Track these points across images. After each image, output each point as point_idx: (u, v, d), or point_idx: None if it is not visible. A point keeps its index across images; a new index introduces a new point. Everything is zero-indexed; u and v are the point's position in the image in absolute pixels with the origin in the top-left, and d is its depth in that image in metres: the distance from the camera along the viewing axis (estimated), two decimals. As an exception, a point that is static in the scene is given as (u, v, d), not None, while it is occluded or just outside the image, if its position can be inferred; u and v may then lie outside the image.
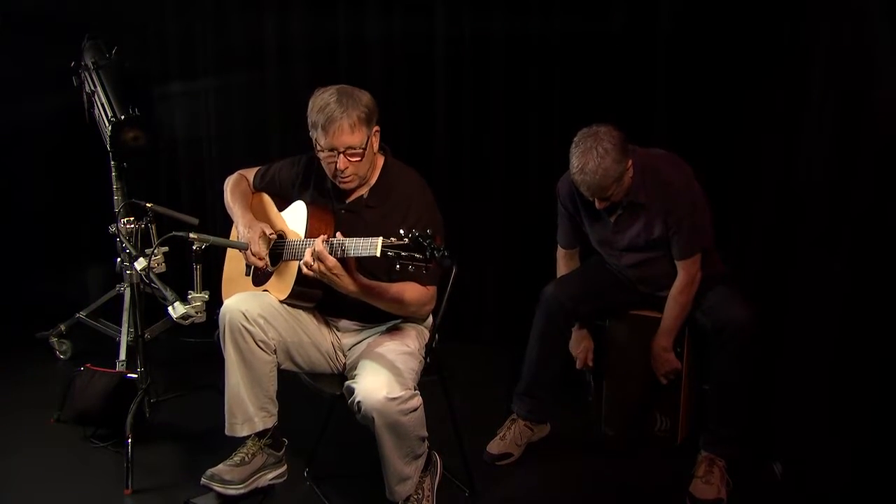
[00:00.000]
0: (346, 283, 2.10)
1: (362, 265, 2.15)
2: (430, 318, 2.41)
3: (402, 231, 1.90)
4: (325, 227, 2.25)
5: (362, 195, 2.31)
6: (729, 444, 2.49)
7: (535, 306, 2.72)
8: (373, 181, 2.31)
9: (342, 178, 2.23)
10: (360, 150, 2.19)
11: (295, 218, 2.32)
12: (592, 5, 3.28)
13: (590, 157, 2.36)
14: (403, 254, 1.87)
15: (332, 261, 2.04)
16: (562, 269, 2.84)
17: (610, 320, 2.81)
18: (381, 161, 2.34)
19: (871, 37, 2.34)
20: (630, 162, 2.44)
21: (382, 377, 2.06)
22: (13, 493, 2.48)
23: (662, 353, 2.62)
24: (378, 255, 1.92)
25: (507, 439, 2.69)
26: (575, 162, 2.41)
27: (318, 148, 2.22)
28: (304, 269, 2.08)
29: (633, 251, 2.62)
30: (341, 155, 2.18)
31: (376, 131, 2.25)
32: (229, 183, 2.51)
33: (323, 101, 2.17)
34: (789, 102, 2.90)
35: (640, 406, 2.78)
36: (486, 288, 3.73)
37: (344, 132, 2.15)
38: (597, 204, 2.50)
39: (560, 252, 2.84)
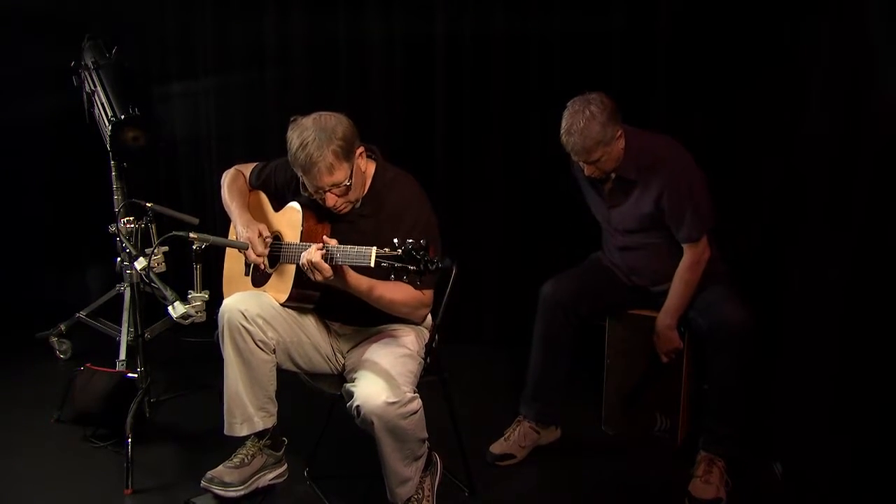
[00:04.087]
0: (343, 286, 2.11)
1: (357, 268, 2.14)
2: (430, 319, 2.40)
3: (395, 241, 1.89)
4: (320, 230, 2.25)
5: (355, 204, 2.30)
6: (728, 443, 2.49)
7: (534, 307, 2.71)
8: (365, 189, 2.29)
9: (335, 209, 2.22)
10: (346, 185, 2.16)
11: (290, 220, 2.32)
12: (592, 5, 3.28)
13: (576, 120, 2.43)
14: (397, 265, 1.88)
15: (328, 270, 2.03)
16: None
17: (610, 320, 2.81)
18: (371, 169, 2.31)
19: (871, 37, 2.34)
20: (620, 132, 2.46)
21: (381, 381, 2.05)
22: (13, 493, 2.48)
23: (667, 331, 2.61)
24: (372, 265, 1.92)
25: (510, 440, 2.69)
26: (563, 123, 2.47)
27: (304, 188, 2.22)
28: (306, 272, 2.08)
29: (627, 233, 2.64)
30: (328, 192, 2.17)
31: (360, 153, 2.21)
32: (226, 178, 2.50)
33: (300, 141, 2.12)
34: (789, 102, 2.90)
35: (640, 406, 2.78)
36: (486, 288, 3.73)
37: (323, 174, 2.12)
38: (586, 170, 2.53)
39: None
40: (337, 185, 2.15)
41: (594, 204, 2.73)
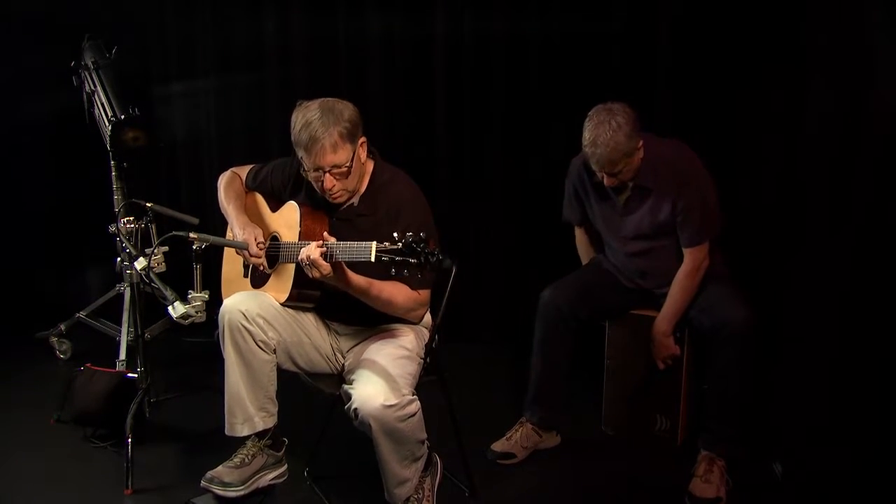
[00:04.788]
0: (342, 284, 2.11)
1: (356, 265, 2.13)
2: (430, 319, 2.40)
3: (395, 235, 1.89)
4: (319, 228, 2.24)
5: (353, 203, 2.29)
6: (728, 443, 2.49)
7: (534, 307, 2.71)
8: (363, 189, 2.29)
9: (331, 195, 2.21)
10: (346, 168, 2.16)
11: (288, 219, 2.31)
12: (592, 5, 3.28)
13: (602, 130, 2.38)
14: (397, 258, 1.87)
15: (326, 268, 2.03)
16: (581, 246, 2.90)
17: (610, 321, 2.81)
18: (370, 167, 2.31)
19: (871, 37, 2.34)
20: (641, 142, 2.45)
21: (379, 384, 2.05)
22: (13, 493, 2.48)
23: (662, 337, 2.61)
24: (372, 259, 1.92)
25: (512, 440, 2.69)
26: (587, 135, 2.43)
27: (304, 168, 2.21)
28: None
29: (638, 239, 2.63)
30: (327, 174, 2.16)
31: (362, 143, 2.22)
32: (223, 181, 2.50)
33: (305, 120, 2.13)
34: (789, 102, 2.90)
35: (640, 406, 2.78)
36: (486, 288, 3.73)
37: (326, 152, 2.12)
38: (605, 181, 2.51)
39: (577, 231, 2.91)
40: (338, 166, 2.15)
41: (602, 213, 2.70)
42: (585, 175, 2.66)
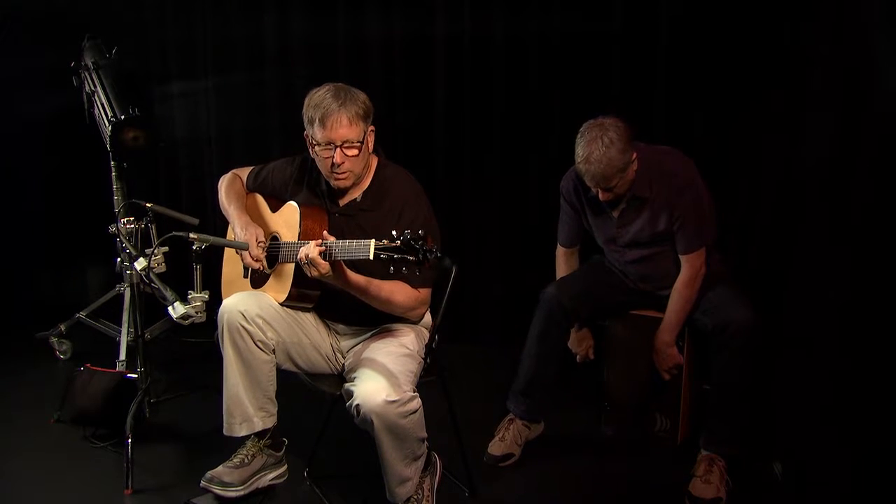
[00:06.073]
0: (341, 283, 2.11)
1: (356, 264, 2.13)
2: (430, 319, 2.40)
3: (394, 233, 1.90)
4: (318, 227, 2.24)
5: (356, 198, 2.30)
6: (729, 443, 2.49)
7: (534, 307, 2.71)
8: (366, 184, 2.31)
9: (338, 174, 2.22)
10: (358, 145, 2.19)
11: (288, 219, 2.32)
12: (592, 5, 3.29)
13: (595, 147, 2.38)
14: (396, 256, 1.88)
15: (325, 267, 2.04)
16: (561, 267, 2.84)
17: (610, 320, 2.81)
18: (374, 163, 2.33)
19: (871, 37, 2.34)
20: (634, 155, 2.45)
21: (381, 380, 2.05)
22: (13, 492, 2.48)
23: (665, 348, 2.62)
24: (371, 257, 1.92)
25: (507, 440, 2.69)
26: (580, 151, 2.42)
27: (315, 143, 2.22)
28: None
29: (637, 247, 2.63)
30: (338, 149, 2.17)
31: (372, 130, 2.24)
32: (223, 182, 2.51)
33: (320, 97, 2.18)
34: (789, 102, 2.90)
35: (640, 406, 2.78)
36: (486, 288, 3.73)
37: (342, 125, 2.15)
38: (600, 196, 2.50)
39: (560, 251, 2.85)
40: (350, 142, 2.17)
41: (597, 225, 2.70)
42: (581, 188, 2.65)
